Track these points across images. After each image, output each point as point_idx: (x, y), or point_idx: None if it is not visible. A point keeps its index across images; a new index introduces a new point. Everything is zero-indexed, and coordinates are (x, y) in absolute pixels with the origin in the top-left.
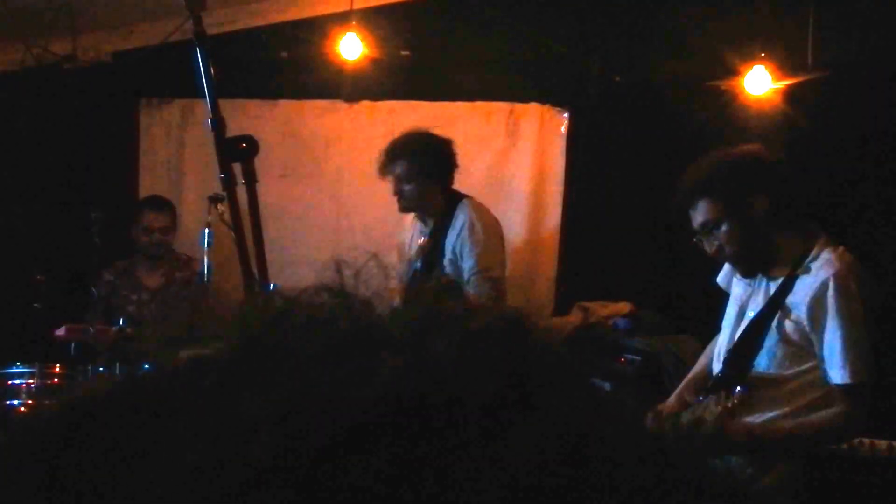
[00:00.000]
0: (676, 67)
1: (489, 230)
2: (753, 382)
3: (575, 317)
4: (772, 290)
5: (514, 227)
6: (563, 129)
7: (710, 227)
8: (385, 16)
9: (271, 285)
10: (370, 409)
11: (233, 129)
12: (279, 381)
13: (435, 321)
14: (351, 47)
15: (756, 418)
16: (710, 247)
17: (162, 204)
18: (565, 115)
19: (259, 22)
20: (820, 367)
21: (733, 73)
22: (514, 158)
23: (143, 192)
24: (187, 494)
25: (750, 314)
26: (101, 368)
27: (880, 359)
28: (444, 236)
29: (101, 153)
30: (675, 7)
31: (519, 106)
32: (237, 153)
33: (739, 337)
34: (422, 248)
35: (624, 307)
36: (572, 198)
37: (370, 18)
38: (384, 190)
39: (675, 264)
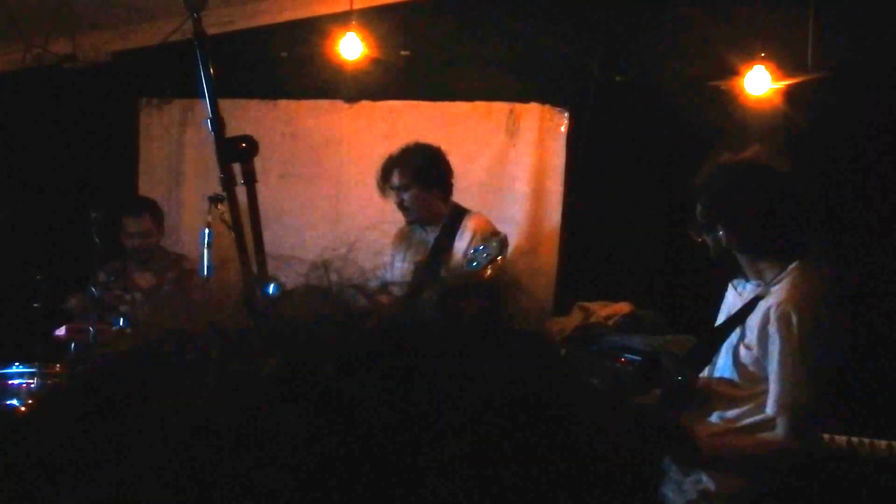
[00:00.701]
0: (676, 67)
1: (501, 241)
2: (713, 385)
3: (575, 317)
4: (739, 302)
5: (514, 227)
6: (563, 129)
7: (705, 228)
8: (385, 16)
9: (271, 285)
10: (370, 336)
11: (233, 129)
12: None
13: (424, 284)
14: (351, 47)
15: (714, 418)
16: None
17: (138, 208)
18: (565, 115)
19: (259, 22)
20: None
21: (733, 73)
22: (514, 158)
23: (143, 192)
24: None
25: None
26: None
27: (829, 382)
28: (450, 246)
29: (101, 153)
30: (675, 7)
31: (519, 106)
32: (237, 153)
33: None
34: (425, 259)
35: (624, 307)
36: (572, 198)
37: (370, 18)
38: None
39: (675, 264)
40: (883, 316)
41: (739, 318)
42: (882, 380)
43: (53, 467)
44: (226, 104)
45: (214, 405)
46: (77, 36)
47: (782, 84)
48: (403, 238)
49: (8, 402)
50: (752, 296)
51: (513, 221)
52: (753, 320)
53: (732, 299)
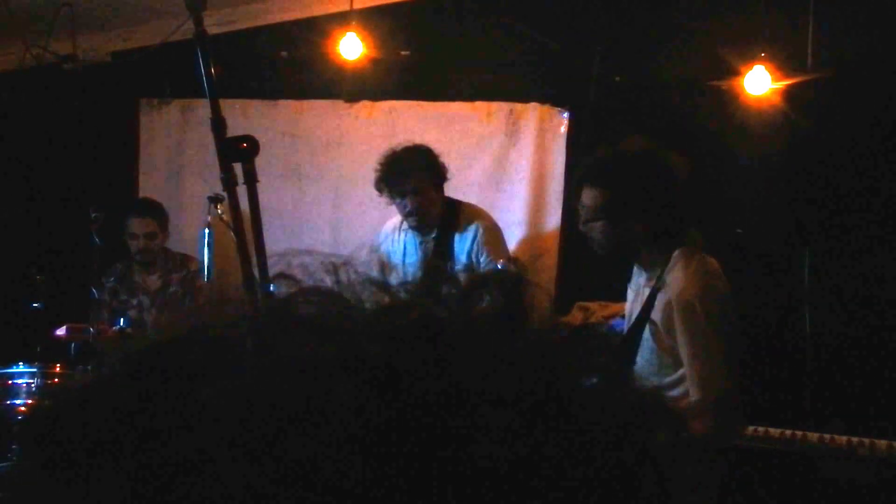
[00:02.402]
0: (676, 67)
1: (499, 232)
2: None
3: (575, 317)
4: (642, 297)
5: (514, 227)
6: (563, 129)
7: (606, 219)
8: (385, 16)
9: (271, 286)
10: (405, 329)
11: (233, 129)
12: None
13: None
14: (351, 47)
15: None
16: (585, 229)
17: (145, 209)
18: (565, 115)
19: (259, 22)
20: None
21: (733, 73)
22: (514, 158)
23: (143, 192)
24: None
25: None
26: (101, 369)
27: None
28: (450, 242)
29: (101, 153)
30: (675, 7)
31: (519, 106)
32: (237, 153)
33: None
34: (429, 258)
35: (624, 307)
36: (572, 198)
37: (370, 18)
38: None
39: None
40: (883, 316)
41: (644, 317)
42: (882, 380)
43: (118, 440)
44: (226, 104)
45: (279, 382)
46: (77, 36)
47: (782, 84)
48: (396, 236)
49: (9, 402)
50: (647, 291)
51: (513, 221)
52: (656, 315)
53: (633, 298)
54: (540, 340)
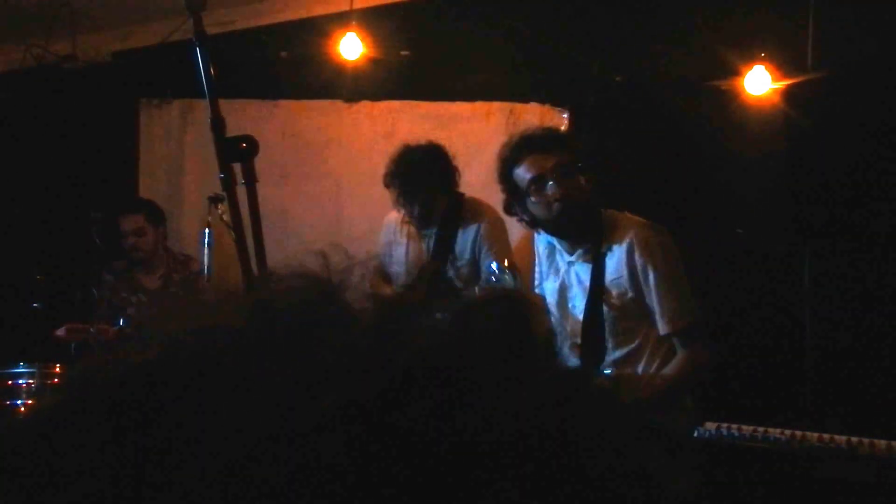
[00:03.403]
0: (676, 67)
1: (502, 225)
2: (613, 365)
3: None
4: (579, 275)
5: (514, 228)
6: (563, 129)
7: (563, 170)
8: (385, 16)
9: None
10: (414, 362)
11: (233, 130)
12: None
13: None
14: (351, 47)
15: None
16: (554, 190)
17: (131, 206)
18: (565, 115)
19: (259, 22)
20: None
21: (733, 73)
22: None
23: (143, 192)
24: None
25: (576, 305)
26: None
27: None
28: (453, 237)
29: (101, 153)
30: (675, 7)
31: (519, 106)
32: (237, 153)
33: (584, 328)
34: (430, 258)
35: None
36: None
37: (370, 18)
38: (384, 190)
39: None
40: (883, 316)
41: (598, 289)
42: (882, 380)
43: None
44: (226, 104)
45: (257, 421)
46: (77, 36)
47: (782, 84)
48: (399, 228)
49: (8, 402)
50: (581, 265)
51: (512, 221)
52: (612, 277)
53: (556, 279)
54: (547, 383)
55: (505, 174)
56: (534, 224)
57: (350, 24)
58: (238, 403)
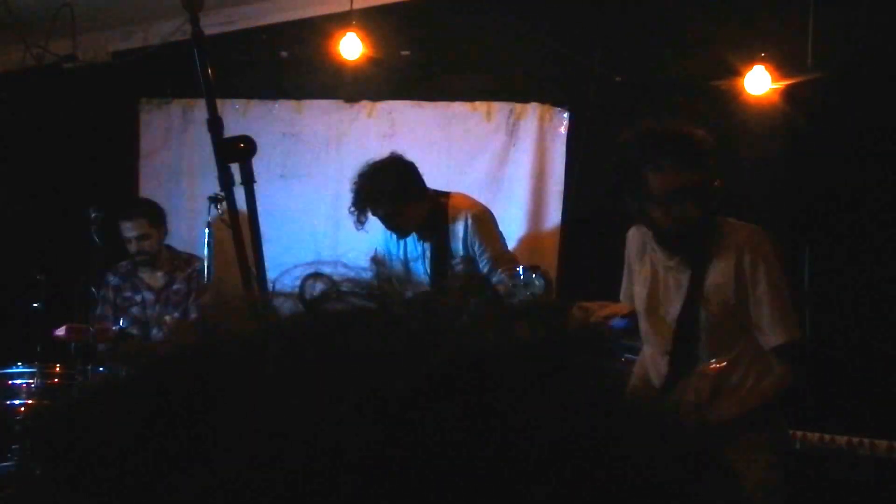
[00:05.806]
0: (676, 67)
1: (488, 216)
2: (707, 375)
3: (574, 317)
4: (678, 280)
5: (514, 228)
6: (563, 129)
7: (697, 192)
8: (385, 16)
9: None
10: (443, 366)
11: (233, 130)
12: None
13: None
14: (351, 47)
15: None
16: (672, 213)
17: (134, 211)
18: (565, 115)
19: (259, 22)
20: (756, 336)
21: (733, 73)
22: (514, 158)
23: (143, 192)
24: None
25: (669, 311)
26: (100, 368)
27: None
28: (446, 236)
29: (101, 153)
30: (675, 7)
31: (519, 106)
32: (235, 153)
33: (676, 335)
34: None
35: (623, 308)
36: (572, 198)
37: (370, 18)
38: None
39: None
40: (883, 316)
41: (696, 296)
42: (882, 380)
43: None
44: (226, 104)
45: (298, 421)
46: (77, 36)
47: (782, 84)
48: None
49: (8, 402)
50: (687, 263)
51: (513, 221)
52: (714, 284)
53: (663, 274)
54: (587, 396)
55: (633, 164)
56: (640, 220)
57: (350, 24)
58: (278, 396)
